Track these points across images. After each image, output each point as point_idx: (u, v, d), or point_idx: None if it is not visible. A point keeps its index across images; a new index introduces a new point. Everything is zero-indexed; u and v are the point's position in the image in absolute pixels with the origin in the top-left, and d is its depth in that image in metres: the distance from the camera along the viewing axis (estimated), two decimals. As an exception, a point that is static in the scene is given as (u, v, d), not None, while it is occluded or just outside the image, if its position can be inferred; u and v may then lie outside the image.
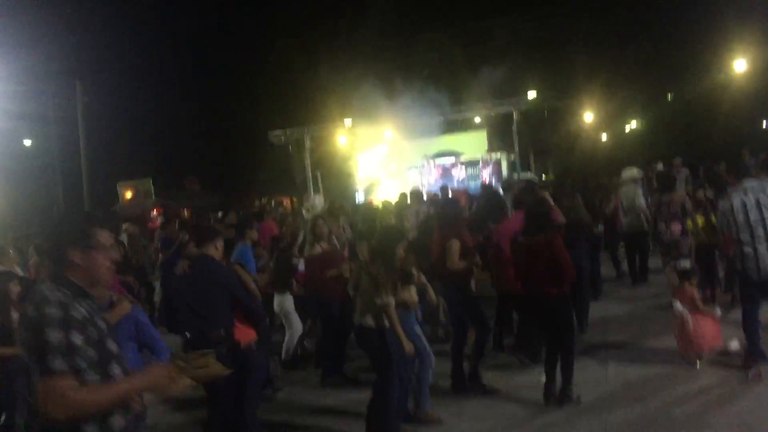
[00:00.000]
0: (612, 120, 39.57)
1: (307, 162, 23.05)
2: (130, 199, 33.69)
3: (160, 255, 12.31)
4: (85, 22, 26.96)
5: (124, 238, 16.38)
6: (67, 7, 24.90)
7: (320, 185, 21.74)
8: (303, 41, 30.35)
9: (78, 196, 28.46)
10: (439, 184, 22.03)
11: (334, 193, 21.28)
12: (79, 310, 2.43)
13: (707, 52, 27.07)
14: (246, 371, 5.09)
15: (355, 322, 5.27)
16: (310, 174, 22.94)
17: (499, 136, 26.28)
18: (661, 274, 8.89)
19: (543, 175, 26.83)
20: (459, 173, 22.95)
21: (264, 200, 28.14)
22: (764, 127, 31.30)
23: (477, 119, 25.60)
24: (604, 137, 39.45)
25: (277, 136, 23.09)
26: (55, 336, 2.34)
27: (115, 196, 33.27)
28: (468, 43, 28.08)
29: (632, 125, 40.20)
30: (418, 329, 5.73)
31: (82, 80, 24.13)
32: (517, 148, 22.85)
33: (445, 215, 6.68)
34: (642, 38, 32.45)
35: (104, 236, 2.65)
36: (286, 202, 28.74)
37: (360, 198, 21.89)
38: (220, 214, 18.53)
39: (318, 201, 8.60)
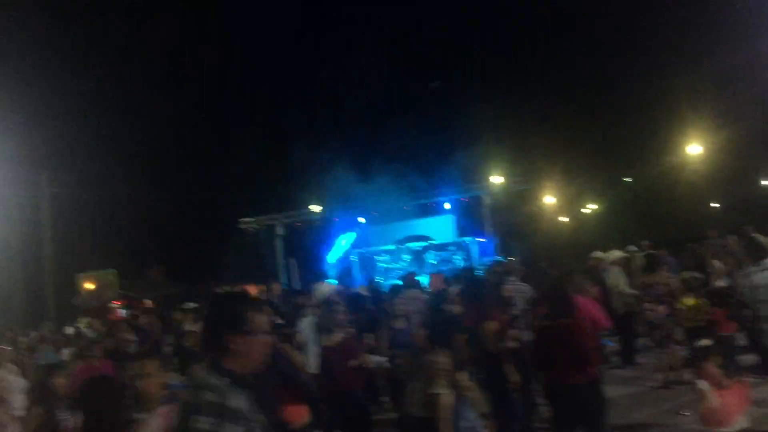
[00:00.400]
0: (571, 202, 40.85)
1: (278, 249, 23.03)
2: (92, 291, 32.88)
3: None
4: (53, 114, 26.81)
5: (88, 332, 15.96)
6: (33, 100, 24.85)
7: (296, 272, 21.68)
8: (273, 127, 30.83)
9: (39, 284, 27.74)
10: (410, 268, 22.25)
11: (307, 279, 21.18)
12: (237, 401, 2.32)
13: (662, 136, 28.37)
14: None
15: (405, 412, 5.17)
16: (281, 261, 22.91)
17: (467, 220, 26.77)
18: (647, 353, 9.01)
19: (509, 258, 27.16)
20: (430, 258, 23.07)
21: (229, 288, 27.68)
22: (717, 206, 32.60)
23: (446, 204, 26.00)
24: (564, 219, 40.52)
25: (248, 223, 23.09)
26: (205, 423, 2.22)
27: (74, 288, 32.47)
28: (434, 130, 28.87)
29: (591, 207, 41.48)
30: (476, 419, 5.47)
31: (48, 171, 23.94)
32: (488, 232, 23.21)
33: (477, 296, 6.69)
34: (599, 123, 33.93)
35: (261, 319, 2.55)
36: (253, 289, 28.29)
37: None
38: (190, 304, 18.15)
39: (326, 288, 8.47)
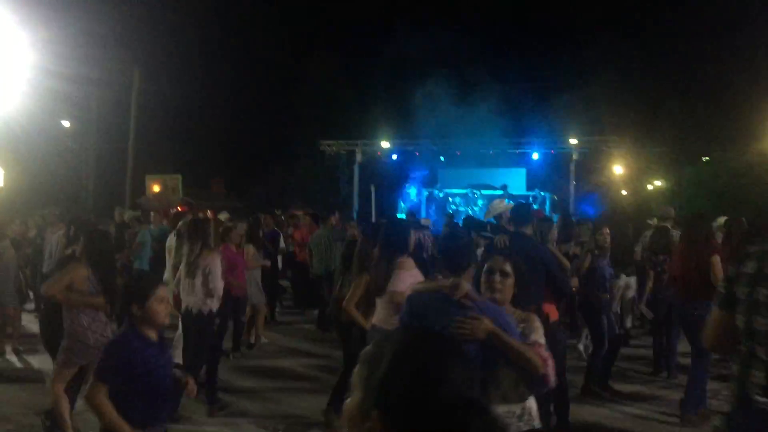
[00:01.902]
0: (637, 176, 40.16)
1: (356, 175, 23.09)
2: (157, 193, 33.58)
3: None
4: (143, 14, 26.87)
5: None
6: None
7: (372, 200, 21.76)
8: (355, 56, 30.59)
9: (105, 183, 28.29)
10: (481, 214, 22.22)
11: (382, 210, 21.28)
12: None
13: (752, 119, 27.59)
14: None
15: None
16: (357, 187, 22.99)
17: (542, 175, 26.53)
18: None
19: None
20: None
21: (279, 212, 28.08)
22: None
23: (534, 155, 25.64)
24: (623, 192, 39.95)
25: (328, 145, 23.11)
26: None
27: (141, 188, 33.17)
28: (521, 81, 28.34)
29: (656, 183, 40.75)
30: None
31: (140, 67, 24.09)
32: (573, 189, 22.94)
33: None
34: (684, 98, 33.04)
35: None
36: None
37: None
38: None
39: (498, 205, 8.31)
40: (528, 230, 5.69)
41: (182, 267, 6.70)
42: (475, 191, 23.76)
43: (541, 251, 5.58)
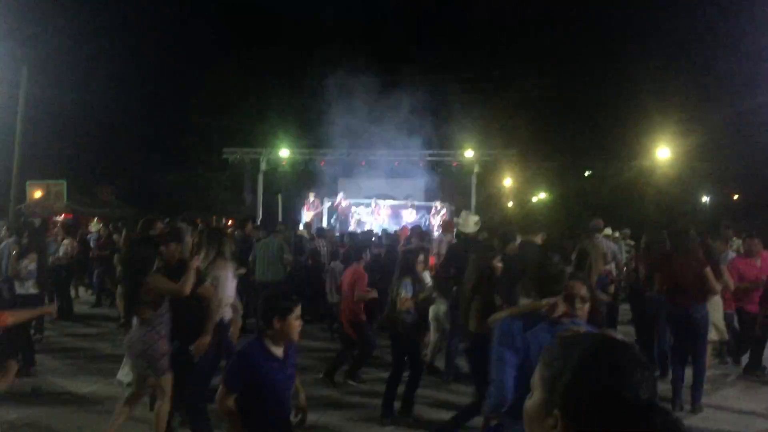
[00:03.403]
0: (522, 188, 42.00)
1: (260, 184, 22.81)
2: (38, 200, 31.63)
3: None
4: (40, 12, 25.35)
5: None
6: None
7: (279, 209, 21.55)
8: (258, 63, 30.19)
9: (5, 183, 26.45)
10: (387, 224, 22.55)
11: (287, 218, 21.12)
12: None
13: (632, 136, 29.68)
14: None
15: None
16: (261, 196, 22.72)
17: (438, 186, 27.23)
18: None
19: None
20: (409, 216, 23.37)
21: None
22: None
23: (420, 165, 26.23)
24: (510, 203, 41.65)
25: (232, 153, 22.69)
26: None
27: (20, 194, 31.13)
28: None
29: (539, 196, 42.75)
30: None
31: (28, 67, 22.72)
32: (474, 199, 23.70)
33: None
34: (566, 115, 34.90)
35: None
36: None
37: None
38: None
39: (471, 218, 8.45)
40: (537, 239, 5.90)
41: None
42: (377, 201, 24.05)
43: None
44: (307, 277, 12.40)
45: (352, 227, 21.73)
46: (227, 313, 6.59)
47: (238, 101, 31.45)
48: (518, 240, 7.50)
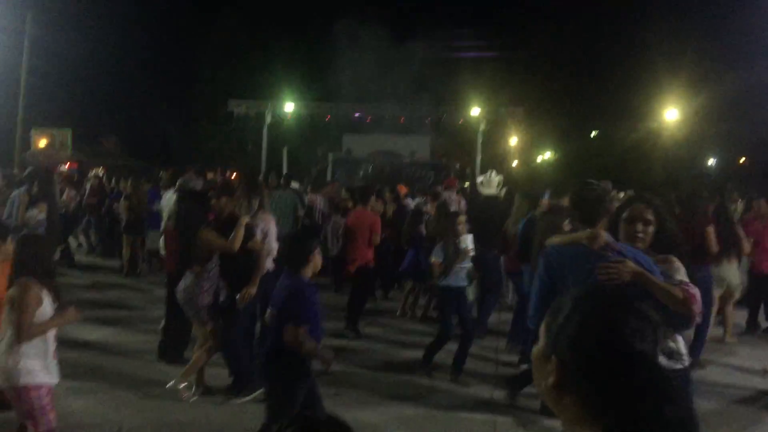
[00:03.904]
0: (528, 147, 41.82)
1: (264, 137, 22.75)
2: (43, 148, 31.63)
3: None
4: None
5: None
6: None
7: (284, 162, 21.49)
8: (264, 15, 29.78)
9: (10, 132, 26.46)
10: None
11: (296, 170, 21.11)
12: None
13: (638, 99, 29.39)
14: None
15: None
16: (264, 150, 22.70)
17: (442, 143, 27.16)
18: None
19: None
20: (406, 172, 23.24)
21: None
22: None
23: (426, 122, 26.02)
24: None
25: (237, 106, 22.56)
26: None
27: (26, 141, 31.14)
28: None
29: (546, 156, 42.64)
30: None
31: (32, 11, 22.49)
32: (479, 159, 23.64)
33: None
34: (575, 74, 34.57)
35: None
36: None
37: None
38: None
39: (495, 178, 8.52)
40: (565, 201, 5.91)
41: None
42: (376, 156, 23.94)
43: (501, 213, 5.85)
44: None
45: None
46: (269, 264, 6.64)
47: (244, 53, 31.17)
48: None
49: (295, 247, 4.50)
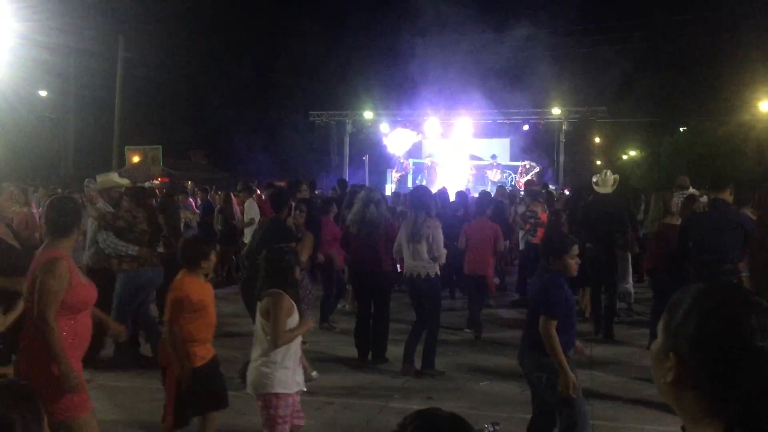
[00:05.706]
0: (613, 146, 40.77)
1: (346, 145, 23.14)
2: (137, 164, 33.09)
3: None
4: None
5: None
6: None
7: (366, 170, 21.81)
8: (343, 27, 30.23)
9: (86, 154, 27.82)
10: (473, 183, 22.44)
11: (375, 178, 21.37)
12: None
13: (728, 91, 28.17)
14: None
15: None
16: (347, 157, 23.07)
17: (523, 146, 26.85)
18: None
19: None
20: (495, 175, 23.21)
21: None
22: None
23: (524, 126, 25.72)
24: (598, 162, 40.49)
25: (318, 116, 23.05)
26: None
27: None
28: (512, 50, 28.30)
29: (631, 154, 41.38)
30: None
31: (124, 35, 23.61)
32: (562, 159, 23.32)
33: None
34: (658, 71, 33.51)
35: None
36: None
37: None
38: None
39: (610, 177, 8.69)
40: (726, 195, 6.15)
41: (404, 233, 6.93)
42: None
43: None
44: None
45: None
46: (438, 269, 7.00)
47: (322, 64, 31.78)
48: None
49: None
